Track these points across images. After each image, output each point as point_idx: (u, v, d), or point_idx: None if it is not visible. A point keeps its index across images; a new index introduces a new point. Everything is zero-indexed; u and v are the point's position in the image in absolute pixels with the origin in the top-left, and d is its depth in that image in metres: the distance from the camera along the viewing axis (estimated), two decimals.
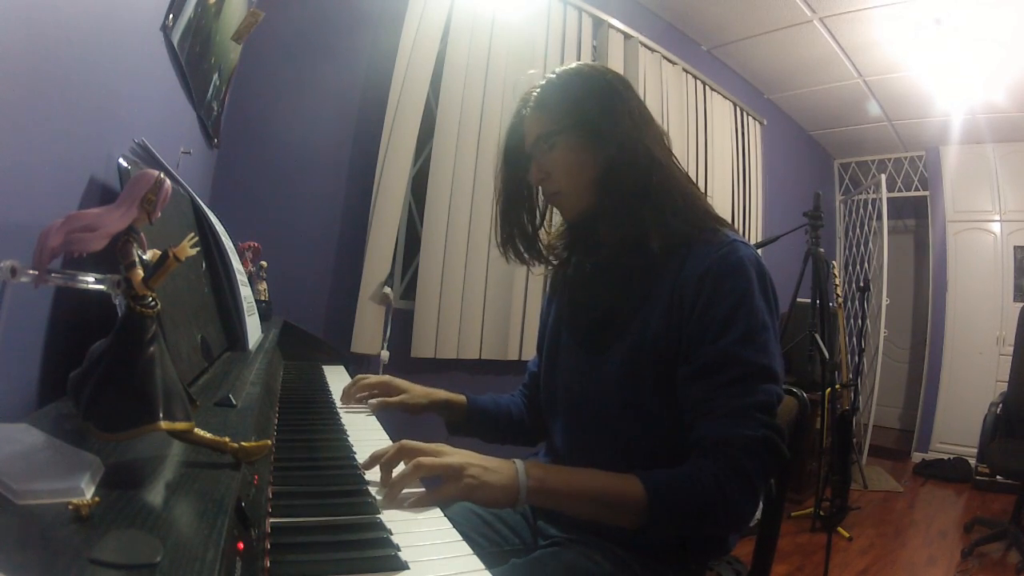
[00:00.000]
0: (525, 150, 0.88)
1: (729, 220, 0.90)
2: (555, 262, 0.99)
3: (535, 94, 0.86)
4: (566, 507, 0.73)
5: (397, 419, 1.03)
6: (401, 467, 0.67)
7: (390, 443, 0.88)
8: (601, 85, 0.84)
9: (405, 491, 0.64)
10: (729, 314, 0.74)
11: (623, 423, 0.83)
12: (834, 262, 3.93)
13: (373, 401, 1.05)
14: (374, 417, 1.02)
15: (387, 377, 1.08)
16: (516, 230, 0.94)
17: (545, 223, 0.98)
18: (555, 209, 0.94)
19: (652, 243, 0.80)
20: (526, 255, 0.95)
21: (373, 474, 0.69)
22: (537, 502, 0.70)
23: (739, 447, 0.70)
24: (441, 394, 1.06)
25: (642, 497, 0.69)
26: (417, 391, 1.05)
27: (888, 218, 4.43)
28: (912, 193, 4.88)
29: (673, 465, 0.74)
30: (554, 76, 0.87)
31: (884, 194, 4.40)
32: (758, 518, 0.97)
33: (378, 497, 0.63)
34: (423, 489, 0.66)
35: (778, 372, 0.75)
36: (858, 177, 5.17)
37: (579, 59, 2.72)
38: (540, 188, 0.91)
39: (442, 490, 0.65)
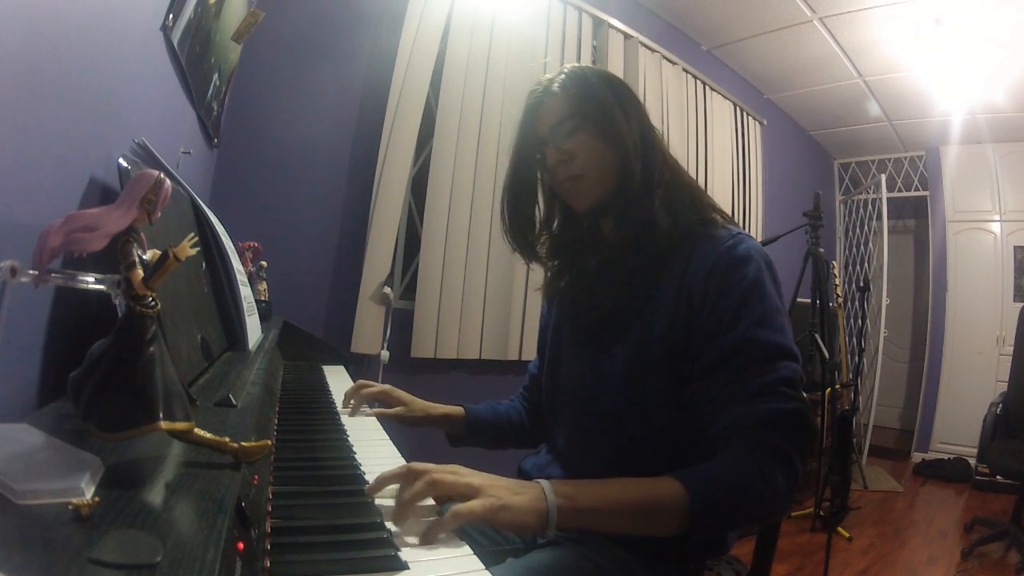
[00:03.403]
0: (540, 134, 0.88)
1: None
2: (550, 267, 0.98)
3: (561, 78, 0.88)
4: (602, 525, 0.65)
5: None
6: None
7: (390, 444, 0.89)
8: (619, 84, 0.90)
9: (423, 519, 0.58)
10: (741, 302, 0.74)
11: (626, 422, 0.83)
12: (834, 262, 3.93)
13: (370, 411, 1.06)
14: (374, 417, 1.02)
15: (388, 387, 1.08)
16: (522, 219, 0.94)
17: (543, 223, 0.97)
18: (550, 210, 0.94)
19: (660, 236, 0.81)
20: (530, 244, 0.95)
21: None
22: (569, 523, 0.62)
23: (772, 425, 0.68)
24: (440, 409, 1.07)
25: (683, 499, 0.64)
26: (416, 405, 1.06)
27: (888, 218, 4.43)
28: (912, 193, 4.88)
29: (675, 463, 0.72)
30: (576, 67, 0.90)
31: (884, 194, 4.40)
32: None
33: (392, 527, 0.57)
34: (433, 505, 0.60)
35: (796, 352, 0.74)
36: (858, 177, 5.17)
37: (579, 59, 2.72)
38: (555, 173, 0.88)
39: (462, 510, 0.57)
